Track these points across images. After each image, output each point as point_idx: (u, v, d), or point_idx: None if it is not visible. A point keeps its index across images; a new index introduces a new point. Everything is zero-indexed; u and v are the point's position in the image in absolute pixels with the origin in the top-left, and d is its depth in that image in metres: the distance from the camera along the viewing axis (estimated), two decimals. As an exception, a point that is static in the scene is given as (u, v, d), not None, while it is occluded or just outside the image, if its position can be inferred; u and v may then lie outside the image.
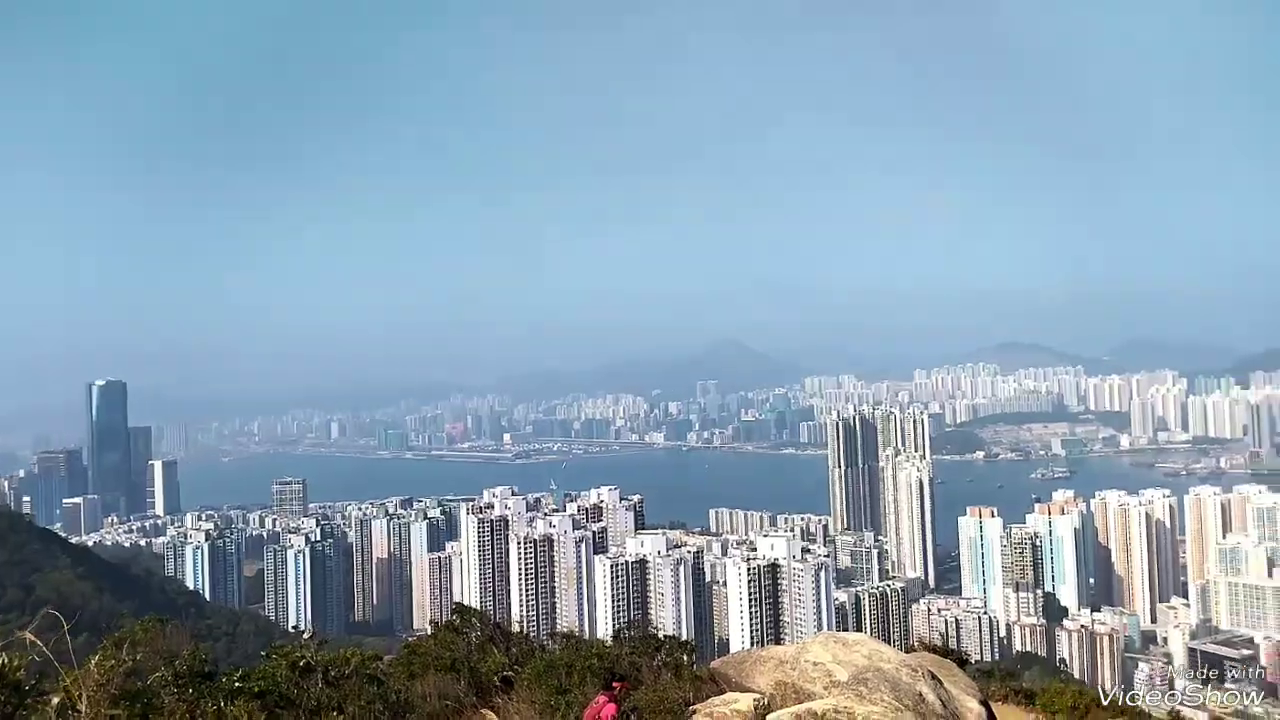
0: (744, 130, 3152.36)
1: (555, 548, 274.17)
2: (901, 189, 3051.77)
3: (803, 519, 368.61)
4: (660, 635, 32.90)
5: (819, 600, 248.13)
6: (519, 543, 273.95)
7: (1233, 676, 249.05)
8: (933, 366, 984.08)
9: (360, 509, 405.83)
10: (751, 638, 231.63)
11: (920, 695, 14.82)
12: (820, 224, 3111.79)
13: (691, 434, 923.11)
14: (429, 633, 33.76)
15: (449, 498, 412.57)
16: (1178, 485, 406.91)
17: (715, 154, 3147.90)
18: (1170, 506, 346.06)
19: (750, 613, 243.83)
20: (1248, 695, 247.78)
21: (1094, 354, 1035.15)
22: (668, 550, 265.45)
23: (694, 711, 16.46)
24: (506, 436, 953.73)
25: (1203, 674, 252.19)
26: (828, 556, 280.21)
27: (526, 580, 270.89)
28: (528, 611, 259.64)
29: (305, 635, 23.61)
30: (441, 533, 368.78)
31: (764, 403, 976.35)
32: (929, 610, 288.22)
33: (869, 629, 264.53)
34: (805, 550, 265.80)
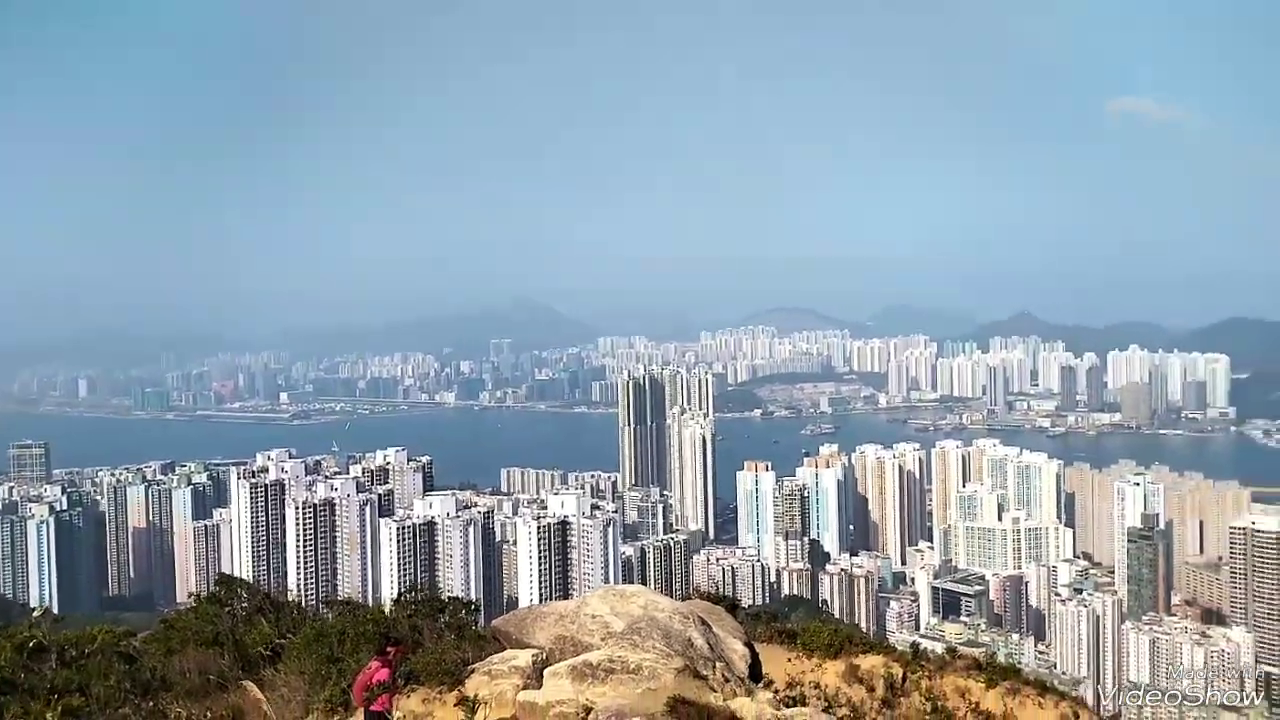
0: (546, 94, 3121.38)
1: (337, 512, 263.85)
2: (685, 158, 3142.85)
3: (593, 476, 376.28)
4: (444, 597, 32.44)
5: (607, 555, 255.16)
6: (297, 508, 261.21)
7: (967, 610, 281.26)
8: (717, 329, 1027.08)
9: (114, 475, 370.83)
10: (541, 595, 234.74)
11: (689, 641, 15.51)
12: (615, 188, 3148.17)
13: (484, 393, 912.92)
14: (190, 606, 31.48)
15: (217, 461, 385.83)
16: (926, 440, 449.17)
17: (518, 114, 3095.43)
18: (919, 459, 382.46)
19: (540, 570, 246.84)
20: (979, 626, 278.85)
21: (858, 319, 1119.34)
22: (457, 511, 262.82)
23: (472, 671, 16.38)
24: (283, 396, 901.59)
25: (941, 609, 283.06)
26: (616, 512, 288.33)
27: (306, 547, 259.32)
28: (307, 580, 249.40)
29: (36, 613, 21.25)
30: (209, 499, 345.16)
31: (558, 362, 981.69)
32: (708, 560, 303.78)
33: (654, 580, 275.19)
34: (595, 507, 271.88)
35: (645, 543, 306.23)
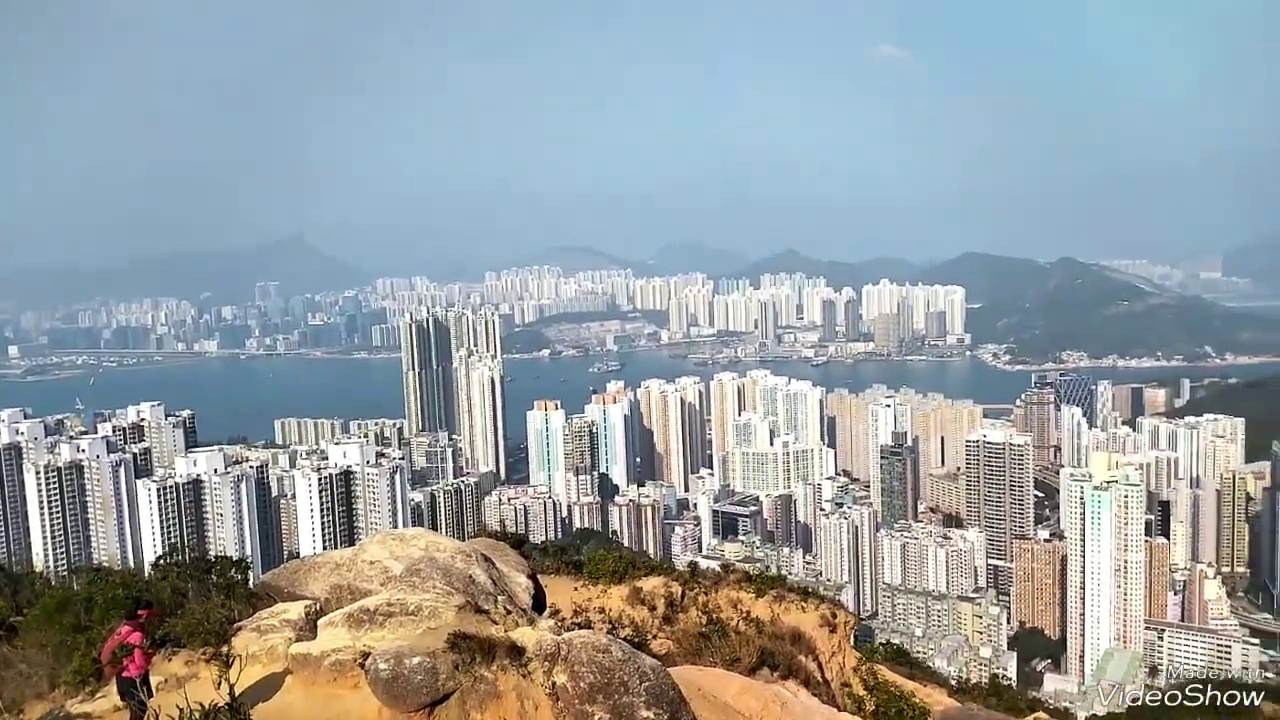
0: (313, 25, 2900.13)
1: (87, 475, 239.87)
2: (460, 95, 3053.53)
3: (377, 424, 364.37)
4: (212, 556, 30.60)
5: (394, 503, 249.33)
6: (38, 472, 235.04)
7: (744, 529, 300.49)
8: (501, 269, 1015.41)
9: None
10: (325, 548, 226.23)
11: (471, 578, 15.56)
12: (386, 123, 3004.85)
13: (251, 341, 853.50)
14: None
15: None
16: (705, 373, 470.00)
17: (276, 45, 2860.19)
18: (700, 391, 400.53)
19: (323, 523, 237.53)
20: (754, 543, 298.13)
21: (640, 258, 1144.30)
22: (226, 467, 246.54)
23: (240, 629, 15.60)
24: (13, 349, 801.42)
25: (721, 530, 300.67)
26: (403, 459, 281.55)
27: (52, 514, 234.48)
28: (55, 550, 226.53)
29: None
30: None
31: (333, 306, 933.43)
32: (500, 500, 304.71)
33: (445, 524, 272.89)
34: (380, 455, 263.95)
35: (435, 488, 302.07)
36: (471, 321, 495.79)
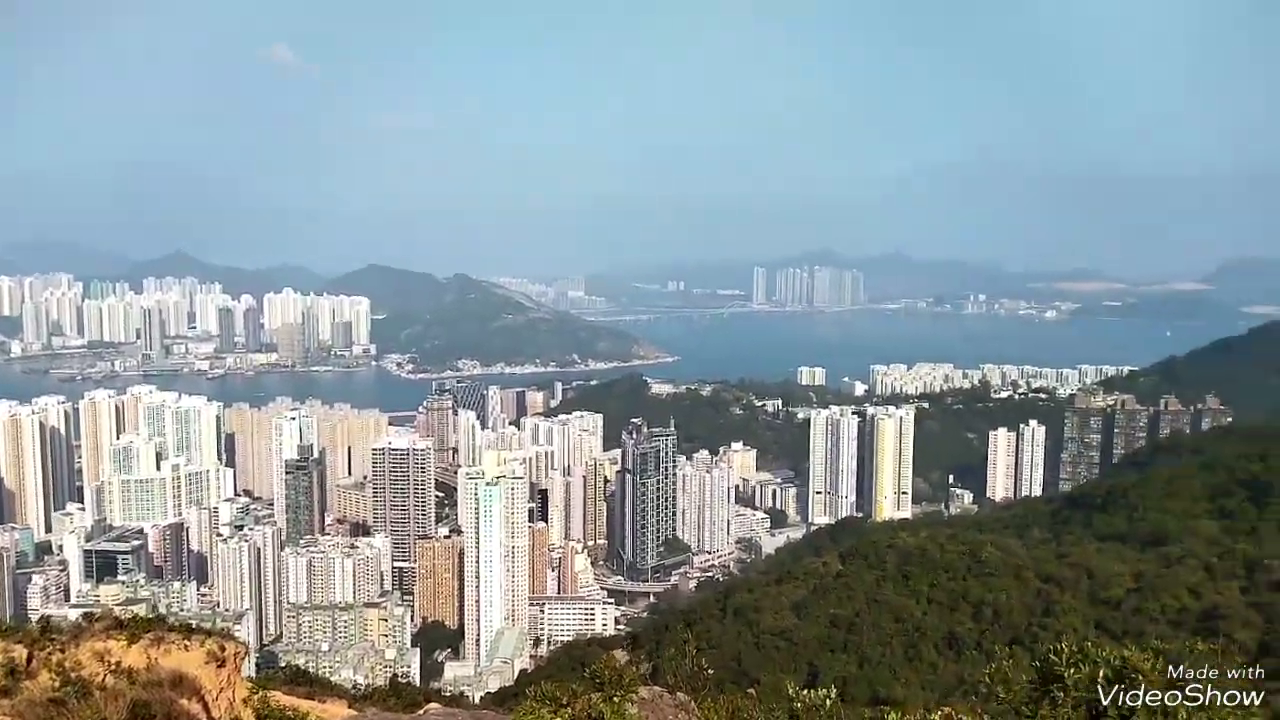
0: None
1: None
2: None
3: None
4: None
5: None
6: None
7: (125, 568, 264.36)
8: None
9: None
10: None
11: None
12: None
13: None
14: None
15: None
16: (73, 390, 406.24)
17: None
18: (65, 413, 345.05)
19: None
20: (138, 582, 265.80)
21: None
22: None
23: None
24: None
25: (95, 573, 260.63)
26: None
27: None
28: None
29: None
30: None
31: None
32: None
33: None
34: None
35: None
36: None
